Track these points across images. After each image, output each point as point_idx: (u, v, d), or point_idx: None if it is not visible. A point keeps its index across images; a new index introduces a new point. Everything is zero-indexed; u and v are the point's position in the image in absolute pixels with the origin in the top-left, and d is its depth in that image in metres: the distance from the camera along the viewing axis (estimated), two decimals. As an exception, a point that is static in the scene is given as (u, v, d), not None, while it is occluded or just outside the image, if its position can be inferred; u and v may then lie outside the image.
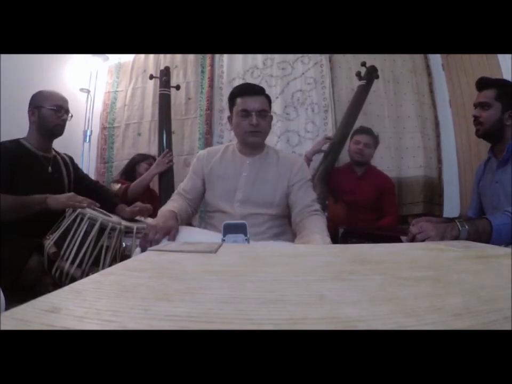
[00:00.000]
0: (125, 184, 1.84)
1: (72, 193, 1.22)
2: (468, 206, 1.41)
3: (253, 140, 1.09)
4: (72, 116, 1.40)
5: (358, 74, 2.03)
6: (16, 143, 1.28)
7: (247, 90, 1.10)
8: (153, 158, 2.03)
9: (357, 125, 1.95)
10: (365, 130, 1.85)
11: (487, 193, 1.22)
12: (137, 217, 1.41)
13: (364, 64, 2.01)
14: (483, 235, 0.83)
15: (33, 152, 1.30)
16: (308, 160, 1.90)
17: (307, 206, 1.04)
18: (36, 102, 1.31)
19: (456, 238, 0.81)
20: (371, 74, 2.00)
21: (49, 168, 1.33)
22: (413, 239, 0.83)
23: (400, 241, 0.89)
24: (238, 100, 1.09)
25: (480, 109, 1.16)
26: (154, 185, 2.03)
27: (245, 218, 1.04)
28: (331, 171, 1.90)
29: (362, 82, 2.00)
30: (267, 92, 1.15)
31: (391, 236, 1.03)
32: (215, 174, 1.12)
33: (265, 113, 1.08)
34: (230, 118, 1.15)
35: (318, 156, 1.96)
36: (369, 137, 1.81)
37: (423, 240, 0.81)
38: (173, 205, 1.04)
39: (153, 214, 1.55)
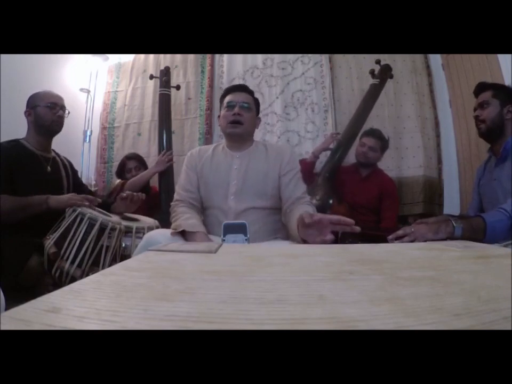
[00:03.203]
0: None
1: (73, 194, 1.23)
2: (468, 206, 1.42)
3: (232, 130, 1.14)
4: (69, 113, 1.41)
5: (372, 72, 1.99)
6: (15, 142, 1.29)
7: (234, 87, 1.24)
8: (139, 157, 2.04)
9: (365, 126, 1.94)
10: (372, 133, 1.81)
11: (486, 191, 1.23)
12: (137, 217, 1.41)
13: (378, 62, 1.97)
14: (478, 232, 0.84)
15: (32, 152, 1.30)
16: (315, 157, 1.89)
17: (298, 198, 1.08)
18: (32, 103, 1.33)
19: (451, 234, 0.82)
20: (385, 73, 1.95)
21: (48, 167, 1.33)
22: (399, 239, 0.83)
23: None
24: (226, 97, 1.19)
25: (480, 109, 1.20)
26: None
27: (240, 215, 1.07)
28: (337, 169, 1.88)
29: (375, 81, 1.96)
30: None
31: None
32: (207, 169, 1.15)
33: (248, 106, 1.16)
34: (219, 116, 1.24)
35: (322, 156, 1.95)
36: (376, 140, 1.78)
37: (414, 239, 0.81)
38: (194, 222, 1.01)
39: (153, 214, 1.55)
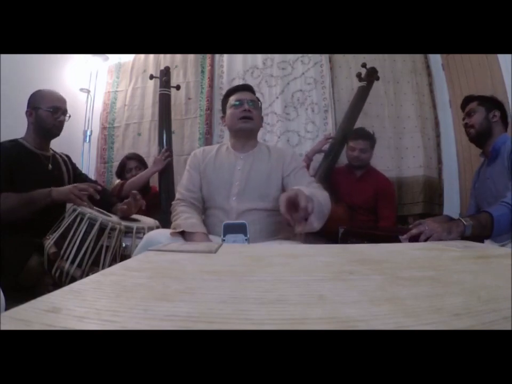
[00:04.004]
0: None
1: (74, 184, 1.23)
2: (467, 209, 1.46)
3: (244, 125, 1.15)
4: (70, 116, 1.40)
5: (359, 75, 2.03)
6: (14, 142, 1.29)
7: (239, 87, 1.26)
8: (139, 157, 2.03)
9: (357, 125, 1.94)
10: (359, 135, 1.80)
11: (481, 191, 1.30)
12: (137, 217, 1.41)
13: (364, 65, 2.01)
14: (486, 227, 0.88)
15: (32, 151, 1.30)
16: (309, 159, 1.90)
17: (306, 186, 1.06)
18: (34, 103, 1.32)
19: (462, 233, 0.84)
20: (371, 75, 1.99)
21: (49, 165, 1.33)
22: (413, 239, 0.83)
23: (399, 241, 0.89)
24: (231, 97, 1.20)
25: (468, 117, 1.31)
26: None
27: (241, 215, 1.06)
28: (331, 171, 1.89)
29: (363, 83, 1.99)
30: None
31: (391, 236, 1.03)
32: (210, 169, 1.16)
33: (255, 104, 1.18)
34: (223, 118, 1.25)
35: (318, 156, 1.95)
36: (364, 142, 1.77)
37: (428, 238, 0.81)
38: (194, 222, 1.01)
39: (153, 214, 1.55)
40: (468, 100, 1.34)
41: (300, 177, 1.11)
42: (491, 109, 1.26)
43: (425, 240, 0.81)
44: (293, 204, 0.77)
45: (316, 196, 0.88)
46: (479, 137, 1.28)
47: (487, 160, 1.28)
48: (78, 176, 1.48)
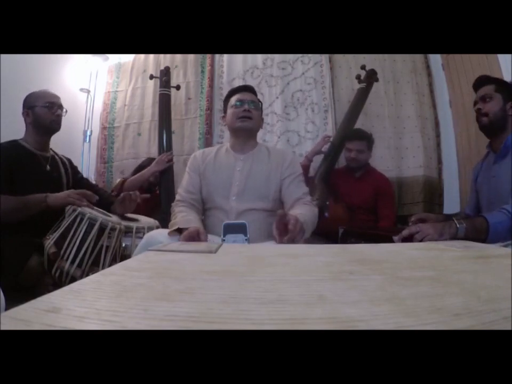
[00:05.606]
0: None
1: (71, 190, 1.23)
2: (467, 203, 1.41)
3: (243, 124, 1.16)
4: (66, 111, 1.41)
5: (358, 77, 2.03)
6: (14, 143, 1.29)
7: (241, 88, 1.28)
8: None
9: (357, 125, 1.95)
10: (356, 136, 1.79)
11: (484, 188, 1.21)
12: (137, 217, 1.41)
13: (363, 67, 2.01)
14: (480, 232, 0.85)
15: (31, 152, 1.30)
16: (308, 161, 1.90)
17: (298, 199, 1.09)
18: (29, 103, 1.33)
19: (454, 235, 0.82)
20: (371, 77, 2.00)
21: (47, 166, 1.33)
22: (405, 239, 0.83)
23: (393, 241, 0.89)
24: (233, 97, 1.22)
25: (482, 102, 1.16)
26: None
27: (241, 215, 1.07)
28: (331, 172, 1.89)
29: (362, 85, 2.00)
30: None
31: (391, 236, 1.03)
32: (210, 170, 1.16)
33: (256, 105, 1.20)
34: (223, 117, 1.27)
35: (318, 157, 1.95)
36: (361, 142, 1.75)
37: (422, 239, 0.81)
38: (190, 218, 1.01)
39: (153, 214, 1.55)
40: (482, 81, 1.18)
41: (295, 186, 1.12)
42: (508, 99, 1.12)
43: (420, 241, 0.81)
44: (284, 225, 0.82)
45: (306, 217, 0.95)
46: (491, 128, 1.15)
47: (494, 155, 1.17)
48: (79, 181, 1.48)
